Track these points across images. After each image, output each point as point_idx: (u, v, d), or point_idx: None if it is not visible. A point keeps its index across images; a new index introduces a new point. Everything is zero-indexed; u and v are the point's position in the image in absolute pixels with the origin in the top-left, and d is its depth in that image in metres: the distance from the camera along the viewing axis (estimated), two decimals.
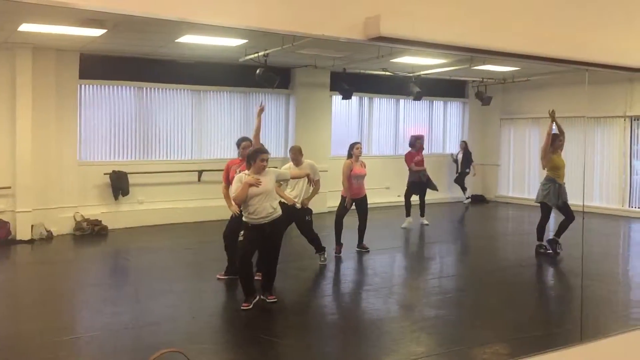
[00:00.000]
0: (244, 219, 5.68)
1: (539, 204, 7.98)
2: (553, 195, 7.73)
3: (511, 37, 3.15)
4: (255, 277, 6.01)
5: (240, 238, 5.76)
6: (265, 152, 5.76)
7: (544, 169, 8.02)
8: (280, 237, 5.86)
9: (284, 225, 6.19)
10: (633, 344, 3.82)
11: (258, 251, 5.86)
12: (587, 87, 4.23)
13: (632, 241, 10.60)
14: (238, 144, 6.62)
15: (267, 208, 5.57)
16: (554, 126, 7.85)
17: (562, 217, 7.87)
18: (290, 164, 7.12)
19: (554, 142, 7.80)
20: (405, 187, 10.27)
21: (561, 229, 7.82)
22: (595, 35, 3.55)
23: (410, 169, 10.21)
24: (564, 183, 7.81)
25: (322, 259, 7.37)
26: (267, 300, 5.74)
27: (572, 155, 9.46)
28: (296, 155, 7.06)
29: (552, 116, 7.69)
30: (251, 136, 6.73)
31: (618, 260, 8.87)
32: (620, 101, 11.73)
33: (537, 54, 3.22)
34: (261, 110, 6.81)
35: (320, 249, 7.35)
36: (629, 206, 11.84)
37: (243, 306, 5.58)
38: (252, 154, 5.68)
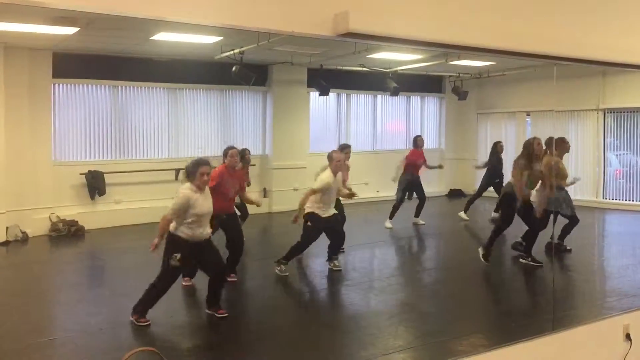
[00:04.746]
0: (179, 233, 4.98)
1: None
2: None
3: (480, 32, 3.19)
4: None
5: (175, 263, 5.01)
6: (206, 163, 4.93)
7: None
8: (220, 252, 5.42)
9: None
10: (602, 333, 3.89)
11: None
12: (555, 81, 4.27)
13: (606, 232, 10.77)
14: (225, 153, 6.19)
15: (206, 228, 5.09)
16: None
17: None
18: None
19: None
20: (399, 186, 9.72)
21: None
22: (562, 30, 3.60)
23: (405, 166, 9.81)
24: None
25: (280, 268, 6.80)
26: (217, 315, 5.28)
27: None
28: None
29: None
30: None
31: (593, 251, 9.00)
32: (593, 94, 11.87)
33: (505, 49, 3.26)
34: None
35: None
36: (603, 198, 12.00)
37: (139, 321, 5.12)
38: (191, 167, 4.89)
